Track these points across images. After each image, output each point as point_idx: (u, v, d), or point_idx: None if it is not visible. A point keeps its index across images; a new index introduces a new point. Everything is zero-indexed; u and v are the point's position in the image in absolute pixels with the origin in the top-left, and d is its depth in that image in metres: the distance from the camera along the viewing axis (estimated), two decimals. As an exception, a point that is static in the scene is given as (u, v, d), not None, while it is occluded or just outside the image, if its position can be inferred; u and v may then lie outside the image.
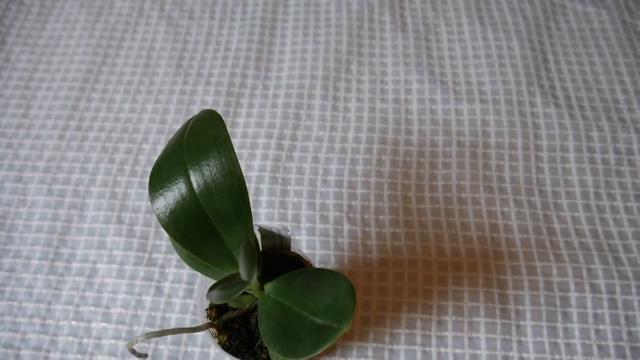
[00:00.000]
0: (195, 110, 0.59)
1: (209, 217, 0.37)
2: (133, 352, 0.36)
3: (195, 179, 0.37)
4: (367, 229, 0.51)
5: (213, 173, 0.37)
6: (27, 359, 0.46)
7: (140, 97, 0.61)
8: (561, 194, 0.53)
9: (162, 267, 0.50)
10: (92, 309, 0.48)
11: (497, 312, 0.47)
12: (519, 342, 0.45)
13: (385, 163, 0.55)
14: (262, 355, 0.38)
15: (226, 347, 0.38)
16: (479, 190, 0.53)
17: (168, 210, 0.37)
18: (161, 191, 0.37)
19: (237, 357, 0.37)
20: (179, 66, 0.63)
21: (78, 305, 0.48)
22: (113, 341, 0.46)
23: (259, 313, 0.35)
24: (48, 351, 0.46)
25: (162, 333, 0.35)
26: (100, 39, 0.65)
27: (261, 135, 0.57)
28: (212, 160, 0.37)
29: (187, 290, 0.48)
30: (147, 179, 0.55)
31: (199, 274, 0.49)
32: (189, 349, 0.46)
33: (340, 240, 0.51)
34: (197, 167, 0.37)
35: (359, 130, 0.57)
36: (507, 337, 0.46)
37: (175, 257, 0.50)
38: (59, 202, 0.53)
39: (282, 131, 0.57)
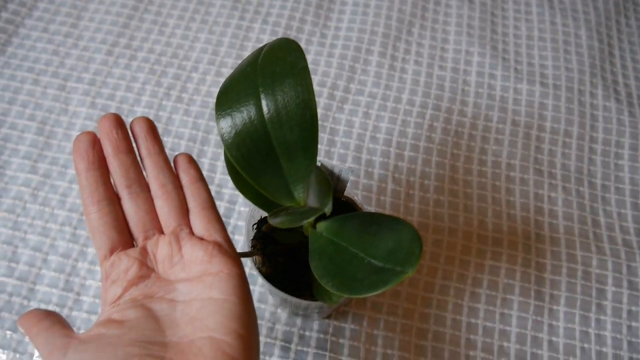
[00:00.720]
0: (250, 47, 0.57)
1: (274, 146, 0.36)
2: None
3: (266, 104, 0.35)
4: (410, 192, 0.50)
5: (286, 100, 0.35)
6: (54, 264, 0.45)
7: (194, 25, 0.59)
8: (610, 189, 0.52)
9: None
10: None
11: (532, 293, 0.46)
12: (550, 325, 0.45)
13: (436, 130, 0.54)
14: (306, 292, 0.37)
15: (269, 278, 0.37)
16: (529, 172, 0.52)
17: (233, 131, 0.35)
18: (229, 111, 0.36)
19: (280, 289, 0.36)
20: (237, 0, 0.61)
21: (110, 221, 0.47)
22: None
23: (310, 250, 0.34)
24: (76, 260, 0.45)
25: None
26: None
27: (314, 82, 0.56)
28: (288, 87, 0.35)
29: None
30: (193, 108, 0.53)
31: (246, 206, 0.48)
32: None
33: (382, 198, 0.50)
34: (270, 91, 0.35)
35: (413, 93, 0.56)
36: (539, 318, 0.45)
37: (213, 188, 0.49)
38: (101, 116, 0.52)
39: (336, 82, 0.56)
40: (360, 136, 0.53)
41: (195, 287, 0.29)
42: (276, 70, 0.36)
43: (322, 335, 0.43)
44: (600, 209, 0.51)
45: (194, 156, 0.51)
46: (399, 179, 0.51)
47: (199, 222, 0.31)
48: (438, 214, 0.49)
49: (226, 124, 0.35)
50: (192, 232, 0.31)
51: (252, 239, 0.39)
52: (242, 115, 0.36)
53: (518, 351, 0.44)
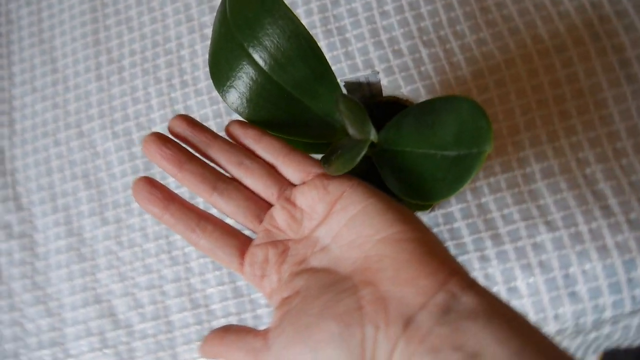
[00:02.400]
0: (216, -7, 0.53)
1: (290, 91, 0.33)
2: None
3: (259, 56, 0.32)
4: (447, 46, 0.46)
5: (276, 41, 0.32)
6: (172, 292, 0.46)
7: (155, 3, 0.55)
8: None
9: (256, 164, 0.47)
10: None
11: (623, 81, 0.41)
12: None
13: (441, -33, 0.48)
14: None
15: None
16: (559, -46, 0.45)
17: (244, 100, 0.33)
18: (229, 83, 0.33)
19: None
20: (178, -47, 0.56)
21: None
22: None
23: (381, 171, 0.32)
24: (187, 279, 0.47)
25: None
26: (85, -40, 0.59)
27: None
28: (269, 27, 0.32)
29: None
30: (201, 85, 0.51)
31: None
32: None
33: (423, 68, 0.46)
34: (255, 42, 0.32)
35: (398, -58, 0.49)
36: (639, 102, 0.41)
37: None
38: (129, 141, 0.51)
39: (316, -22, 0.50)
40: (369, 19, 0.48)
41: (332, 221, 0.28)
42: (249, 16, 0.32)
43: (436, 229, 0.42)
44: (655, -51, 0.43)
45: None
46: (429, 40, 0.46)
47: (291, 170, 0.30)
48: (485, 53, 0.45)
49: (233, 97, 0.33)
50: (293, 184, 0.30)
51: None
52: (243, 81, 0.33)
53: (635, 145, 0.40)
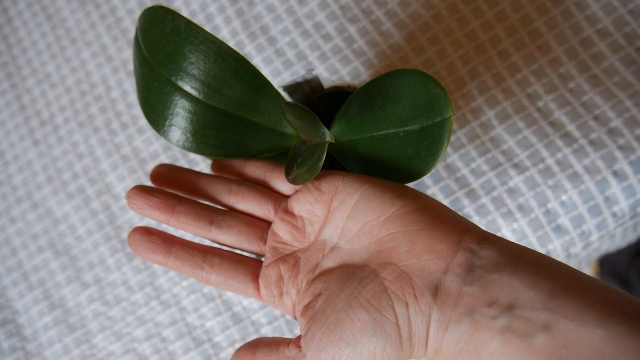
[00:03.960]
0: (129, 25, 0.51)
1: (231, 113, 0.32)
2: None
3: (190, 87, 0.31)
4: (373, 17, 0.45)
5: (203, 67, 0.31)
6: (180, 347, 0.46)
7: (70, 53, 0.53)
8: None
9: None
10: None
11: (549, 4, 0.41)
12: (587, 17, 0.41)
13: (345, -60, 0.47)
14: None
15: None
16: None
17: (189, 135, 0.32)
18: (168, 122, 0.32)
19: None
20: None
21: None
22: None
23: (346, 165, 0.31)
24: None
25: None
26: (-15, 26, 0.56)
27: (207, 5, 0.49)
28: (192, 55, 0.31)
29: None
30: (141, 123, 0.49)
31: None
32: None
33: (355, 46, 0.45)
34: (182, 74, 0.31)
35: None
36: (572, 21, 0.41)
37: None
38: (85, 199, 0.50)
39: (225, -17, 0.49)
40: (289, 10, 0.47)
41: (334, 219, 0.28)
42: (167, 50, 0.31)
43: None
44: None
45: (181, 159, 0.48)
46: (354, 16, 0.45)
47: (280, 182, 0.31)
48: (413, 14, 0.44)
49: (176, 134, 0.32)
50: (286, 196, 0.30)
51: None
52: (182, 116, 0.32)
53: (577, 65, 0.40)
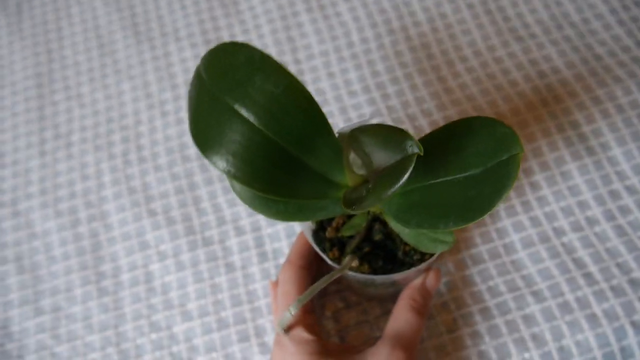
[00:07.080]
0: (178, 71, 0.52)
1: (287, 149, 0.31)
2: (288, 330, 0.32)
3: (251, 112, 0.30)
4: (416, 124, 0.47)
5: (269, 94, 0.31)
6: (120, 391, 0.39)
7: (110, 80, 0.53)
8: (591, 20, 0.50)
9: (221, 241, 0.44)
10: (167, 313, 0.42)
11: (583, 153, 0.44)
12: (617, 172, 0.43)
13: (404, 53, 0.50)
14: (412, 258, 0.34)
15: (374, 272, 0.33)
16: (510, 44, 0.49)
17: (240, 163, 0.30)
18: (218, 148, 0.30)
19: (390, 273, 0.33)
20: (137, 33, 0.55)
21: (149, 317, 0.42)
22: (207, 337, 0.41)
23: (393, 214, 0.30)
24: (140, 374, 0.40)
25: (313, 291, 0.30)
26: (34, 38, 0.56)
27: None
28: (261, 82, 0.31)
29: (260, 255, 0.43)
30: (161, 161, 0.48)
31: (279, 228, 0.44)
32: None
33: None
34: (246, 99, 0.30)
35: (361, 30, 0.52)
36: (603, 172, 0.43)
37: (231, 226, 0.44)
38: (74, 220, 0.46)
39: (281, 58, 0.51)
40: (338, 98, 0.49)
41: None
42: (236, 77, 0.31)
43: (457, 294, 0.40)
44: (594, 42, 0.48)
45: (190, 205, 0.45)
46: (397, 118, 0.47)
47: None
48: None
49: (226, 162, 0.30)
50: None
51: (327, 254, 0.34)
52: (235, 143, 0.30)
53: (604, 212, 0.41)
